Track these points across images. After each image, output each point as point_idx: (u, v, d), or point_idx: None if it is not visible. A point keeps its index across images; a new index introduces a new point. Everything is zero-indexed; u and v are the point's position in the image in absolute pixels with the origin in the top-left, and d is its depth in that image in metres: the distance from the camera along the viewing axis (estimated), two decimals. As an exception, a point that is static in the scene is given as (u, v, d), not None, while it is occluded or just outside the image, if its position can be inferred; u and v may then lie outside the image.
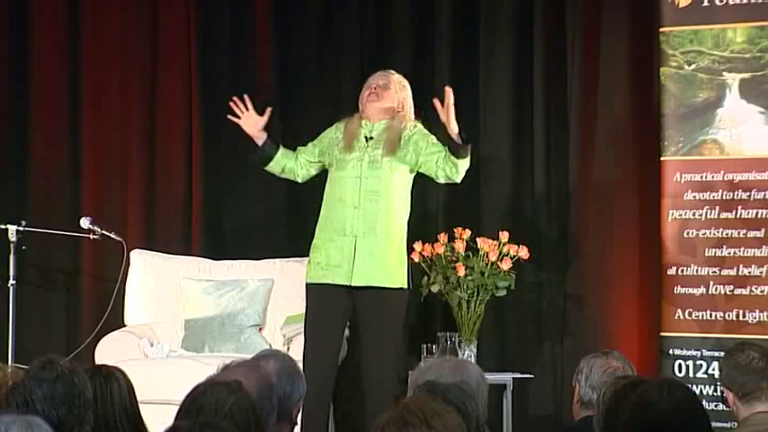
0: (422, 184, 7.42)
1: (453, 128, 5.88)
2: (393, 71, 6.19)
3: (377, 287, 5.89)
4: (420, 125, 6.11)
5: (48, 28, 7.63)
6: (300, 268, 6.36)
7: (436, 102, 5.91)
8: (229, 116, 6.16)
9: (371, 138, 6.04)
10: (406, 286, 5.99)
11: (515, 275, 6.76)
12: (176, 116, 7.58)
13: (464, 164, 5.97)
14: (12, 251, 6.92)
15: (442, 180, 6.07)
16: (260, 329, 6.97)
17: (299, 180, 6.24)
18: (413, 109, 6.14)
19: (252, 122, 6.15)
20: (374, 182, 5.96)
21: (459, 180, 6.04)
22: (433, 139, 6.05)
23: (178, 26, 7.59)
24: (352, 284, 5.91)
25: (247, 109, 6.15)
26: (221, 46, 7.58)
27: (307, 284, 6.03)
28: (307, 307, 6.02)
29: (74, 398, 3.44)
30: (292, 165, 6.18)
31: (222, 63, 7.59)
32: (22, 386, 3.44)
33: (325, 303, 5.95)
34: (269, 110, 6.15)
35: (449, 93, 5.86)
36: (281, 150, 6.17)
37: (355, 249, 5.93)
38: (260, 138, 6.13)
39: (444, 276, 6.75)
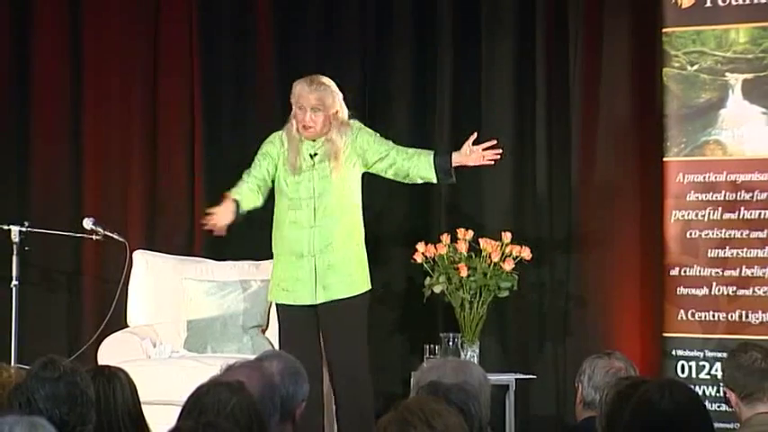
0: (424, 184, 7.43)
1: (463, 161, 5.97)
2: (319, 77, 6.06)
3: (341, 299, 5.96)
4: (358, 123, 6.10)
5: (49, 29, 7.62)
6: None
7: (470, 146, 5.99)
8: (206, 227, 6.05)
9: (316, 154, 6.01)
10: (369, 287, 6.05)
11: (518, 276, 6.76)
12: (178, 117, 7.58)
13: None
14: (14, 252, 6.92)
15: (405, 181, 6.09)
16: (262, 330, 6.97)
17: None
18: (344, 108, 6.06)
19: (224, 218, 6.00)
20: (327, 199, 5.98)
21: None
22: (377, 136, 6.05)
23: (179, 27, 7.59)
24: (317, 302, 5.97)
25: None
26: (223, 47, 7.58)
27: (278, 306, 6.11)
28: (279, 324, 6.13)
29: (76, 397, 3.44)
30: (255, 202, 6.07)
31: (223, 64, 7.59)
32: (25, 386, 3.44)
33: (296, 321, 6.02)
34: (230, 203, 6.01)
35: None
36: (244, 201, 6.03)
37: (315, 268, 5.97)
38: (228, 219, 6.00)
39: (447, 277, 6.75)
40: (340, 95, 6.06)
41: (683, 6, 6.76)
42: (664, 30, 6.82)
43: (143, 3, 7.61)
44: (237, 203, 5.99)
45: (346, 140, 6.01)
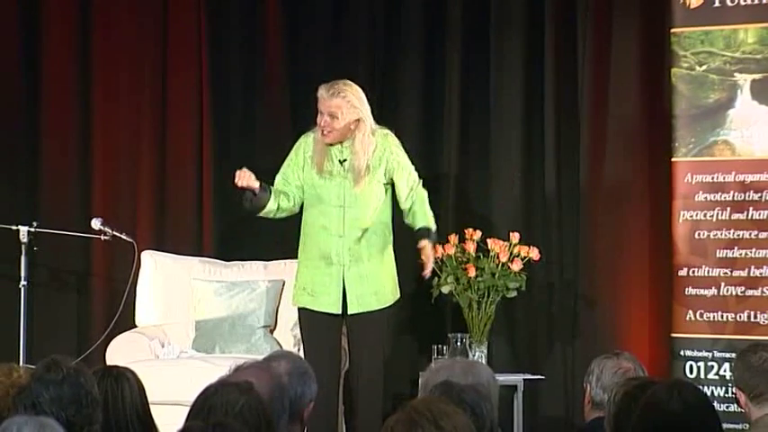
0: (432, 183, 7.44)
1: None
2: (341, 84, 6.03)
3: (372, 311, 6.01)
4: (390, 136, 6.07)
5: (59, 30, 7.63)
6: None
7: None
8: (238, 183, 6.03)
9: (345, 160, 6.00)
10: (398, 297, 6.11)
11: (526, 276, 6.75)
12: (187, 117, 7.59)
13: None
14: (23, 252, 6.93)
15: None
16: (270, 330, 6.97)
17: (296, 210, 6.17)
18: (370, 115, 6.03)
19: (250, 177, 6.03)
20: (356, 210, 5.99)
21: None
22: (405, 168, 6.04)
23: (188, 27, 7.59)
24: (349, 313, 6.01)
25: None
26: (231, 47, 7.59)
27: (301, 310, 6.11)
28: (301, 329, 6.15)
29: (81, 398, 3.44)
30: (286, 204, 6.10)
31: (233, 64, 7.59)
32: (29, 389, 3.43)
33: (318, 327, 6.05)
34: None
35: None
36: (273, 195, 6.08)
37: (344, 278, 5.98)
38: (254, 185, 6.01)
39: (455, 277, 6.74)
40: (365, 105, 6.00)
41: (692, 6, 6.75)
42: (672, 30, 6.81)
43: (151, 2, 7.62)
44: (268, 191, 6.03)
45: (371, 156, 5.98)
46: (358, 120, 5.98)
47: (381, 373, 6.06)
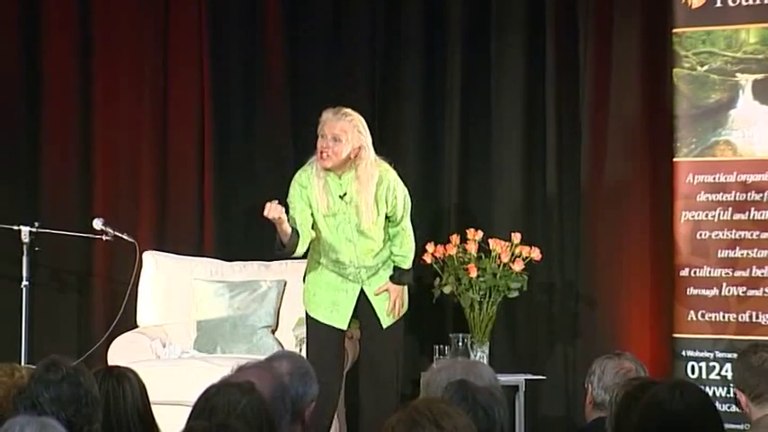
0: (433, 184, 7.44)
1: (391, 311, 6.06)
2: (344, 109, 5.97)
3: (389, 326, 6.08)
4: (391, 172, 6.02)
5: (59, 30, 7.63)
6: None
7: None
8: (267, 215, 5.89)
9: (345, 194, 5.93)
10: (406, 308, 6.16)
11: (527, 277, 6.75)
12: (188, 118, 7.59)
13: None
14: (24, 252, 6.94)
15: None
16: (272, 331, 6.97)
17: None
18: (370, 145, 5.95)
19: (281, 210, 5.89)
20: (366, 241, 6.00)
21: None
22: (401, 208, 6.01)
23: (190, 28, 7.59)
24: (383, 327, 6.08)
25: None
26: (233, 48, 7.59)
27: (309, 317, 6.11)
28: (308, 335, 6.14)
29: (81, 397, 3.44)
30: (302, 248, 6.01)
31: (234, 65, 7.59)
32: (29, 390, 3.43)
33: (328, 341, 6.06)
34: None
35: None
36: (301, 237, 5.96)
37: (364, 295, 6.06)
38: (285, 226, 5.85)
39: (456, 278, 6.74)
40: (367, 134, 5.94)
41: (693, 7, 6.74)
42: (674, 30, 6.81)
43: (154, 5, 7.62)
44: (297, 233, 5.90)
45: (374, 189, 5.94)
46: (359, 148, 5.90)
47: (396, 382, 6.15)
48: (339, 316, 6.05)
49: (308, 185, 5.96)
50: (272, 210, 5.77)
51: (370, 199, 5.91)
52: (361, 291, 6.06)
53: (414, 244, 6.18)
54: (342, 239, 5.96)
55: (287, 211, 5.88)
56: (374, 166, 5.95)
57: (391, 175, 6.03)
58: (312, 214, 5.97)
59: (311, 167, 5.99)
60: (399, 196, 6.03)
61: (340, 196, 5.93)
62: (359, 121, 5.94)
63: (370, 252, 6.00)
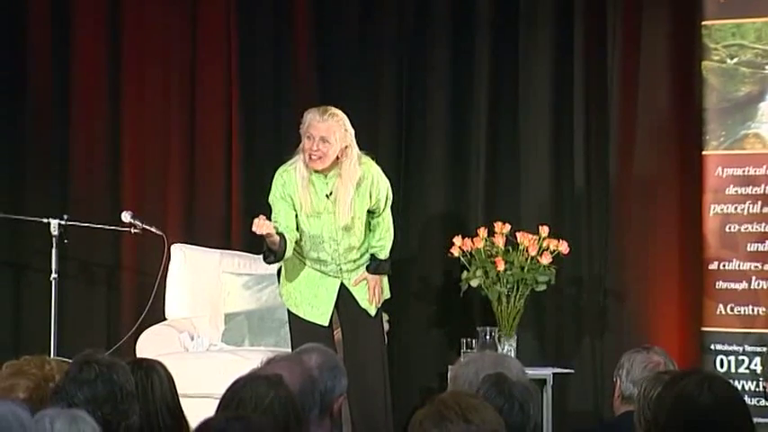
0: (461, 177, 7.43)
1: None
2: (330, 109, 5.89)
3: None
4: (374, 167, 5.96)
5: (89, 24, 7.66)
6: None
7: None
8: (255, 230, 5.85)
9: (331, 193, 5.89)
10: (388, 296, 6.10)
11: (555, 270, 6.74)
12: (216, 111, 7.60)
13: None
14: (54, 245, 6.96)
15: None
16: (299, 323, 6.97)
17: None
18: (354, 142, 5.89)
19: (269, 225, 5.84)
20: (348, 239, 5.94)
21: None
22: (383, 200, 5.97)
23: (218, 22, 7.61)
24: (369, 313, 6.01)
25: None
26: (261, 42, 7.59)
27: (292, 313, 6.06)
28: (292, 331, 6.08)
29: (116, 394, 3.43)
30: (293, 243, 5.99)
31: (262, 59, 7.60)
32: (64, 390, 3.43)
33: (314, 337, 5.94)
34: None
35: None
36: (288, 243, 5.91)
37: (344, 286, 6.00)
38: (274, 238, 5.81)
39: (484, 271, 6.73)
40: (352, 131, 5.89)
41: (723, -1, 6.72)
42: (703, 23, 6.78)
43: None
44: (284, 240, 5.86)
45: (358, 187, 5.89)
46: (346, 147, 5.85)
47: (384, 386, 6.05)
48: (320, 312, 6.00)
49: (290, 186, 5.92)
50: (263, 227, 5.75)
51: (348, 198, 5.87)
52: (341, 284, 6.02)
53: (392, 234, 6.10)
54: (325, 238, 5.93)
55: (269, 214, 5.88)
56: (357, 164, 5.90)
57: (374, 169, 5.99)
58: (296, 215, 5.96)
59: (293, 168, 5.93)
60: (382, 189, 5.98)
61: (327, 195, 5.90)
62: (344, 119, 5.89)
63: (353, 248, 5.97)
